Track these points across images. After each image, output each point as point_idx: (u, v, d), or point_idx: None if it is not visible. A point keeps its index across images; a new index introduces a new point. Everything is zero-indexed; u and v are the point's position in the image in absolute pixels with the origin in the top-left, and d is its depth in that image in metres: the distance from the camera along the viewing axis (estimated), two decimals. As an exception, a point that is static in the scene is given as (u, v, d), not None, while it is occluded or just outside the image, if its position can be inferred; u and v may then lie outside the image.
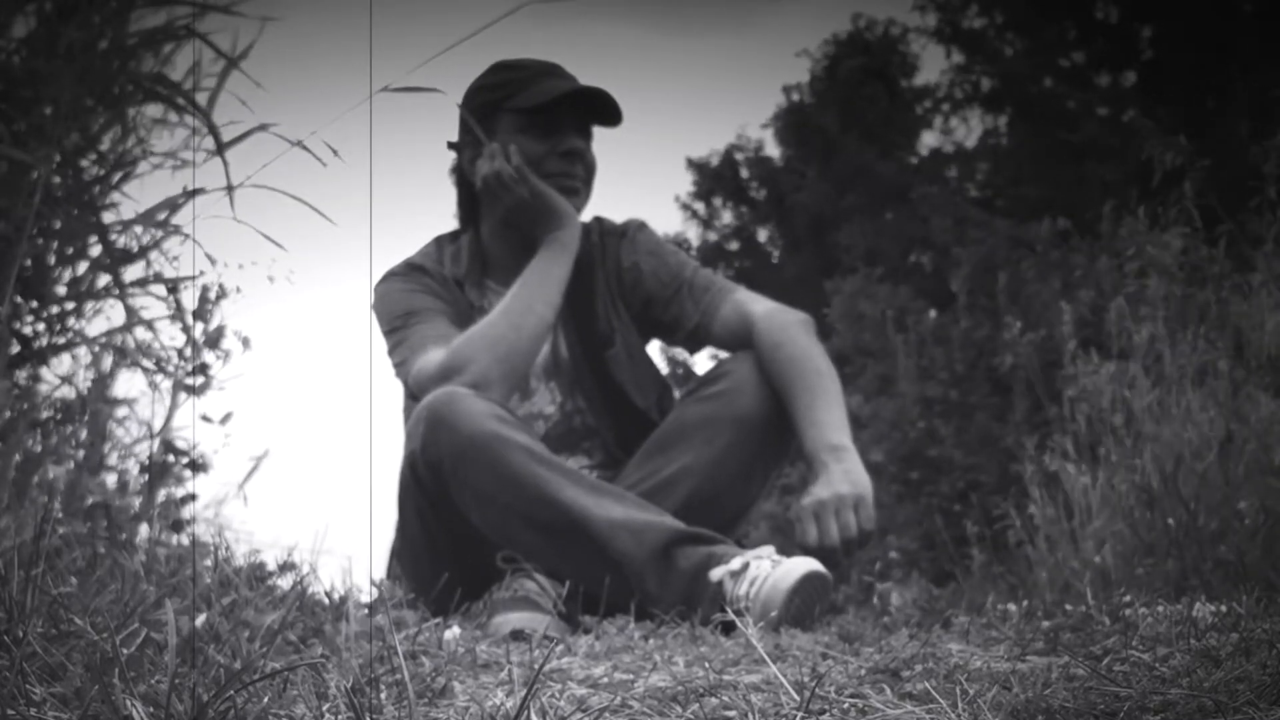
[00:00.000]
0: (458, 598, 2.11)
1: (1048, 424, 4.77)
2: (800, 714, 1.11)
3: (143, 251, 2.58)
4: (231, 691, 1.00)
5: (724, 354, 2.64)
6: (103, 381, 2.73)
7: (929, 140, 16.22)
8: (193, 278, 2.77)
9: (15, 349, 2.48)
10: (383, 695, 1.13)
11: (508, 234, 2.61)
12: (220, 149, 2.34)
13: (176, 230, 2.58)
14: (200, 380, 2.89)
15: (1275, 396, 3.05)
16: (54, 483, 2.40)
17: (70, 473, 2.57)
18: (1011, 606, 1.96)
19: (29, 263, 2.42)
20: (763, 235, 16.89)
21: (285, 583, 1.85)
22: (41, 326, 2.55)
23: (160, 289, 2.64)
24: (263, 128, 2.28)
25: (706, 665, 1.39)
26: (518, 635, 1.95)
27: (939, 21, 15.03)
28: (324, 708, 1.12)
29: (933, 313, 9.18)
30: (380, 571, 2.60)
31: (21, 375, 2.52)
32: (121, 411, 2.87)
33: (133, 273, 2.60)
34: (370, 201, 1.05)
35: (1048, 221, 7.65)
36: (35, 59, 2.31)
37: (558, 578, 2.20)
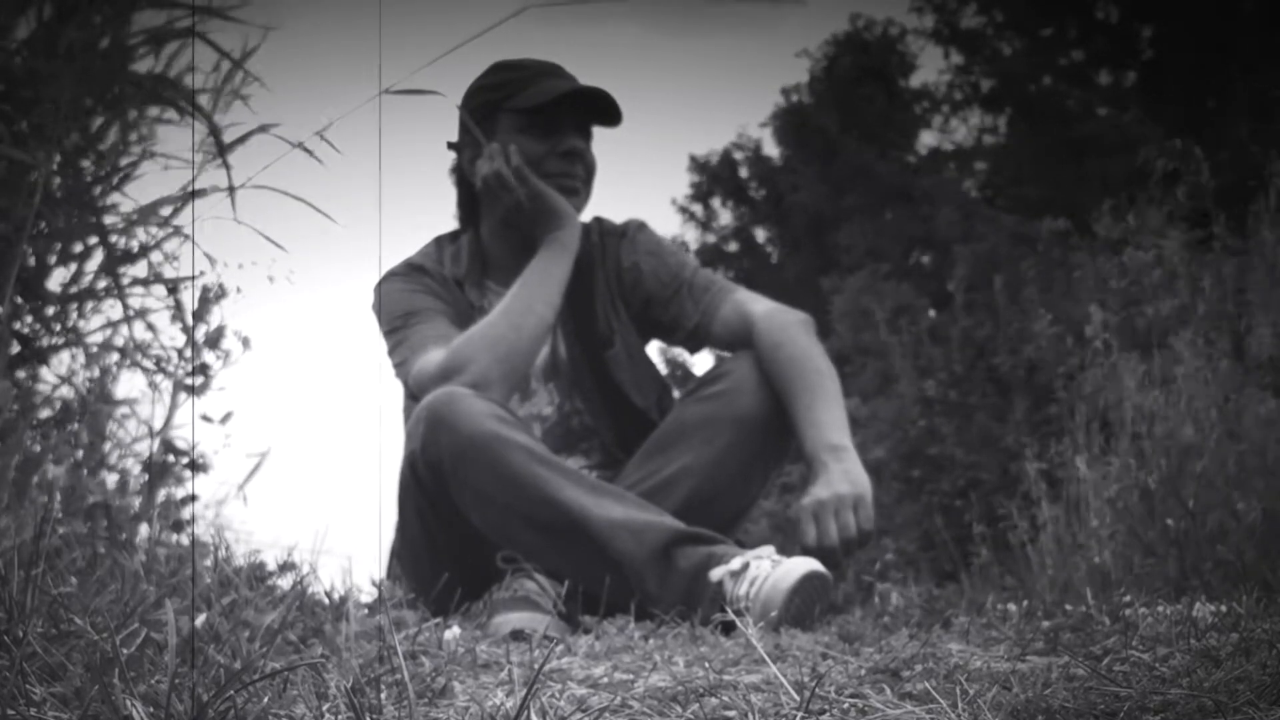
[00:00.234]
0: (458, 598, 2.11)
1: (1048, 423, 4.77)
2: (800, 714, 1.11)
3: (143, 251, 2.58)
4: (231, 691, 1.00)
5: (725, 354, 2.65)
6: (102, 381, 2.72)
7: (928, 140, 16.24)
8: (193, 278, 2.77)
9: (15, 349, 2.48)
10: (383, 695, 1.13)
11: (508, 234, 2.61)
12: (222, 150, 2.34)
13: (177, 231, 2.58)
14: (200, 380, 2.89)
15: (1275, 396, 3.05)
16: (54, 483, 2.40)
17: (70, 473, 2.56)
18: (1011, 606, 1.96)
19: (32, 261, 2.42)
20: (761, 236, 16.89)
21: (285, 583, 1.85)
22: (41, 326, 2.55)
23: (160, 289, 2.64)
24: (264, 128, 2.29)
25: (706, 665, 1.39)
26: (518, 635, 1.95)
27: (936, 23, 15.04)
28: (324, 708, 1.12)
29: (931, 312, 9.18)
30: (381, 571, 2.60)
31: (21, 375, 2.52)
32: (121, 411, 2.87)
33: (133, 273, 2.60)
34: (379, 201, 1.05)
35: (1047, 220, 7.65)
36: (35, 59, 2.31)
37: (558, 578, 2.20)
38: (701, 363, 8.81)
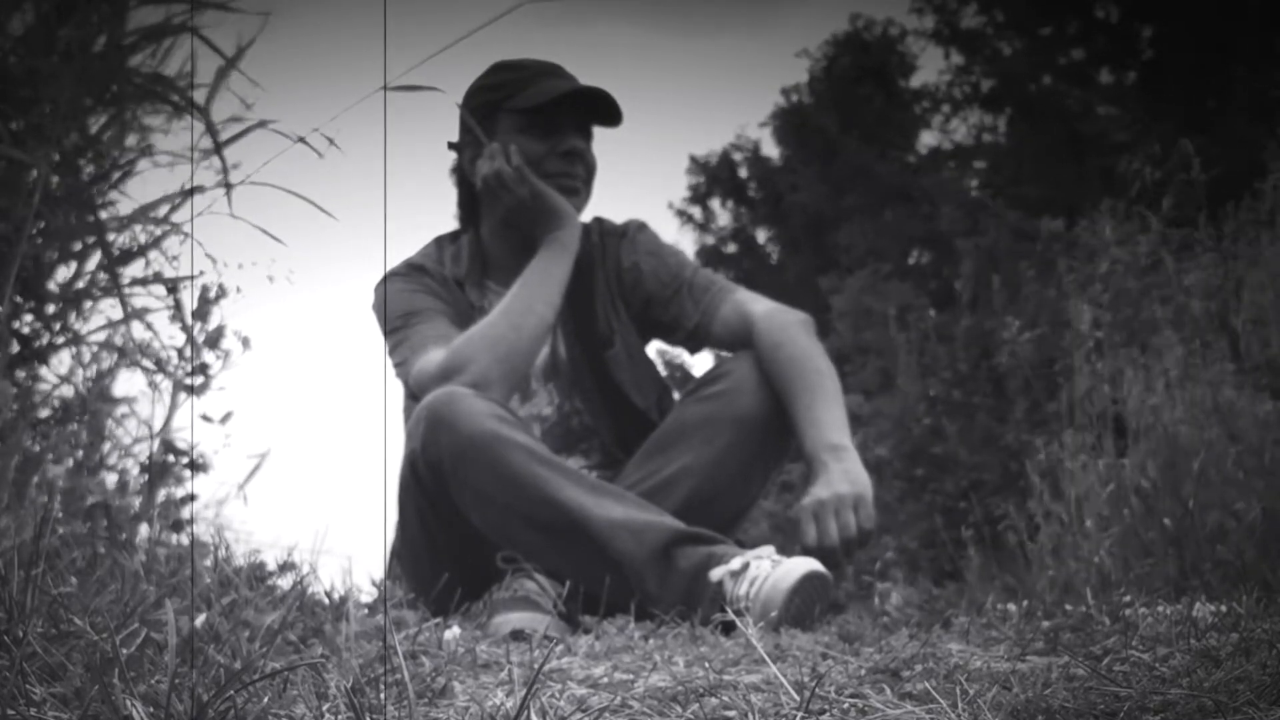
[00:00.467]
0: (458, 598, 2.11)
1: (1047, 423, 4.77)
2: (800, 714, 1.11)
3: (142, 250, 2.58)
4: (231, 691, 1.00)
5: (725, 354, 2.65)
6: (102, 381, 2.72)
7: (928, 139, 16.24)
8: (192, 277, 2.77)
9: (15, 349, 2.48)
10: (382, 695, 1.13)
11: (508, 234, 2.61)
12: (218, 146, 2.34)
13: (176, 229, 2.58)
14: (200, 380, 2.89)
15: (1273, 396, 3.05)
16: (54, 483, 2.40)
17: (70, 473, 2.56)
18: (1011, 606, 1.96)
19: (34, 260, 2.42)
20: (761, 236, 16.89)
21: (285, 583, 1.85)
22: (41, 326, 2.55)
23: (160, 289, 2.64)
24: (262, 124, 2.29)
25: (706, 665, 1.39)
26: (518, 635, 1.95)
27: (936, 23, 15.05)
28: (324, 708, 1.12)
29: (932, 312, 9.18)
30: (381, 571, 2.60)
31: (21, 375, 2.52)
32: (121, 411, 2.87)
33: (132, 272, 2.60)
34: (384, 199, 1.05)
35: (1046, 220, 7.66)
36: (33, 58, 2.30)
37: (558, 578, 2.20)
38: (701, 363, 8.82)
